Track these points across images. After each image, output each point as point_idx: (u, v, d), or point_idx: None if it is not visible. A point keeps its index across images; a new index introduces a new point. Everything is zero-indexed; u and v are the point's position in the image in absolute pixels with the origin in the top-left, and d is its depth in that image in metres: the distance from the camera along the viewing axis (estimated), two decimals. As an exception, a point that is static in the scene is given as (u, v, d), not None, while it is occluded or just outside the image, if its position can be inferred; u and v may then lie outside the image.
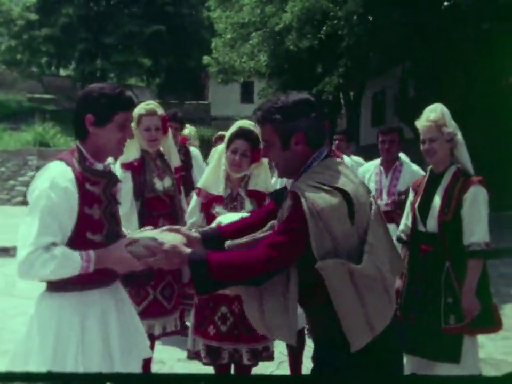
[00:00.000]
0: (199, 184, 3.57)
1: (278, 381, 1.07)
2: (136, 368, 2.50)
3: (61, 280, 2.25)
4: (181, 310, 5.19)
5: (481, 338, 4.55)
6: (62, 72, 33.73)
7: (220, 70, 18.20)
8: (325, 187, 2.05)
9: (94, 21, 26.36)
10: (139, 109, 3.77)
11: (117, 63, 25.65)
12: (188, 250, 2.16)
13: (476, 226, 3.13)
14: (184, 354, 3.68)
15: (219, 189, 3.40)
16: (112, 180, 2.43)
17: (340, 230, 2.02)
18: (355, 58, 12.14)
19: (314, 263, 2.00)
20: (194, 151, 5.67)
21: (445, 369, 3.13)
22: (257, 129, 3.42)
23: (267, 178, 3.56)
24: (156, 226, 3.52)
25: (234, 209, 3.39)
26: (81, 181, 2.28)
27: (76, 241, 2.26)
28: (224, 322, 3.33)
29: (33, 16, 26.07)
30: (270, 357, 3.51)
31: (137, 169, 3.73)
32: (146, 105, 3.82)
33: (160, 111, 3.83)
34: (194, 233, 2.46)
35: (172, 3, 26.72)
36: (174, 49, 27.06)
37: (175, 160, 4.02)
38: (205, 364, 3.44)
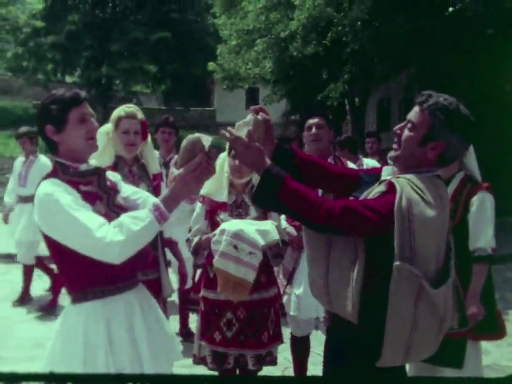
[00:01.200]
0: (202, 192, 3.52)
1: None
2: (168, 372, 2.48)
3: (82, 289, 2.29)
4: (184, 317, 5.17)
5: (487, 344, 4.53)
6: (68, 79, 33.87)
7: (225, 77, 18.21)
8: (426, 196, 2.03)
9: (99, 28, 26.40)
10: (118, 111, 3.63)
11: (122, 70, 25.61)
12: (269, 161, 2.13)
13: (482, 232, 3.14)
14: (188, 361, 3.67)
15: (223, 196, 3.41)
16: (102, 174, 2.45)
17: (421, 242, 2.00)
18: (360, 65, 12.15)
19: (383, 258, 2.01)
20: None
21: (447, 374, 3.11)
22: None
23: None
24: None
25: (239, 216, 3.40)
26: (74, 185, 2.30)
27: None
28: (229, 328, 3.34)
29: (39, 24, 26.10)
30: (273, 362, 3.54)
31: None
32: (127, 108, 3.66)
33: (141, 115, 3.66)
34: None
35: (177, 10, 26.73)
36: (180, 56, 27.06)
37: (153, 167, 3.85)
38: (210, 369, 3.47)
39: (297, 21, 11.48)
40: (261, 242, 3.15)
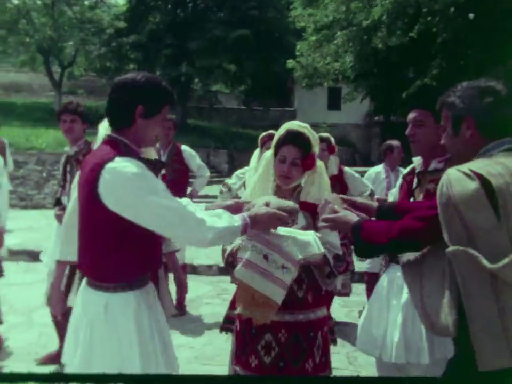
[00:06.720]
0: (244, 198, 3.24)
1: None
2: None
3: (126, 278, 2.38)
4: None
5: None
6: (149, 79, 34.67)
7: (304, 74, 18.02)
8: (467, 171, 1.95)
9: (179, 26, 26.78)
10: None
11: (201, 68, 25.88)
12: (355, 218, 2.35)
13: None
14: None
15: None
16: (158, 165, 2.55)
17: (472, 218, 1.90)
18: (451, 58, 11.14)
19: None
20: (187, 149, 5.77)
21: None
22: (308, 131, 2.93)
23: (321, 188, 3.02)
24: None
25: (285, 224, 2.75)
26: None
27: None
28: (268, 353, 2.90)
29: (122, 24, 26.94)
30: None
31: None
32: None
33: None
34: (374, 203, 2.64)
35: (257, 7, 26.68)
36: (259, 54, 27.15)
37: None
38: None
39: (381, 6, 10.54)
40: (298, 255, 2.64)
